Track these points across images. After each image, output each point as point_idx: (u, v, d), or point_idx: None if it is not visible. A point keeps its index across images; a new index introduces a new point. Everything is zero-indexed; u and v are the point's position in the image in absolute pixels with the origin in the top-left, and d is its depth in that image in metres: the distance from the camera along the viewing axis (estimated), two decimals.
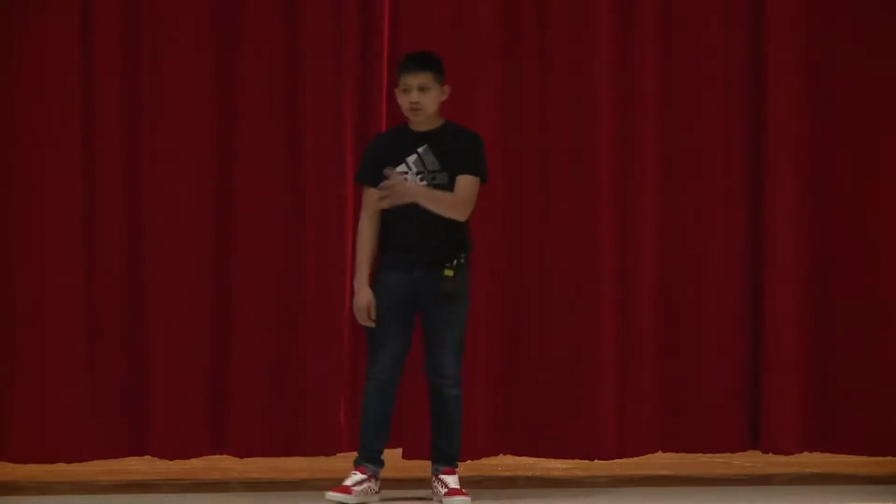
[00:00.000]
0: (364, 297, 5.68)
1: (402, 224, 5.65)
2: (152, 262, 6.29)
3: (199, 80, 6.32)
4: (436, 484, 5.73)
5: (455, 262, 5.61)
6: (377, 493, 5.69)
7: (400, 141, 5.72)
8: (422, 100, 5.64)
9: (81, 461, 6.25)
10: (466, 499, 5.62)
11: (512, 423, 6.40)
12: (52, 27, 6.24)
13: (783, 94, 6.42)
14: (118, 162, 6.30)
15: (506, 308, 6.41)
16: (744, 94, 6.49)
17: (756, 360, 6.45)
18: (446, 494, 5.62)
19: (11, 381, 6.22)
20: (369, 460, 5.69)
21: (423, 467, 5.97)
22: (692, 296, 6.45)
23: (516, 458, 6.45)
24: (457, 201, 5.63)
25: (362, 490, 5.62)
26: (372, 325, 5.67)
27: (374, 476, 5.67)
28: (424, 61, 5.68)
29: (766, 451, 6.43)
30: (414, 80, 5.65)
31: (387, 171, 5.60)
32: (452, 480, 5.67)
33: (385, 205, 5.62)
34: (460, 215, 5.65)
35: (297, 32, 6.36)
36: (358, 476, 5.64)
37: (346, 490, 5.59)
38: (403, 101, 5.68)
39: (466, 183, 5.66)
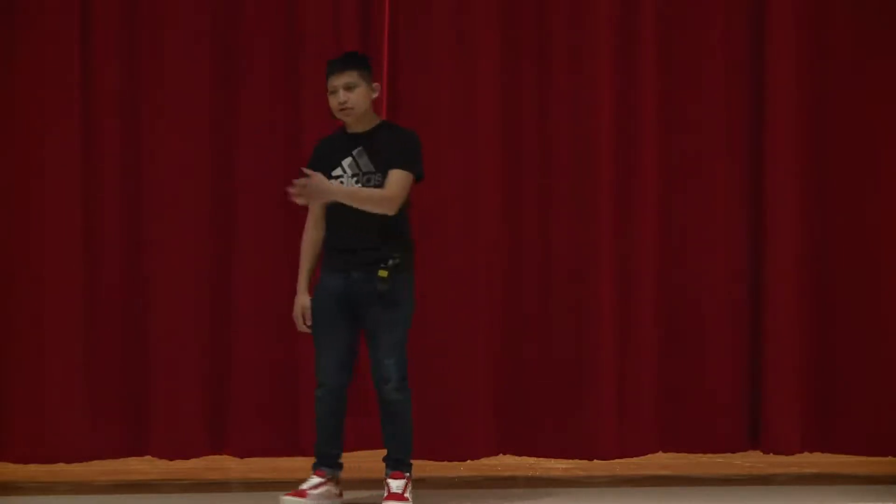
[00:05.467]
0: (298, 303, 5.59)
1: (339, 225, 5.53)
2: (152, 262, 6.29)
3: (199, 79, 6.32)
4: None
5: (390, 262, 5.44)
6: (339, 495, 5.59)
7: (336, 145, 5.59)
8: (349, 98, 5.51)
9: (81, 461, 6.25)
10: None
11: (512, 423, 6.40)
12: (52, 26, 6.25)
13: (783, 95, 6.42)
14: (118, 161, 6.31)
15: (506, 308, 6.41)
16: (744, 95, 6.49)
17: (756, 360, 6.45)
18: (386, 498, 5.48)
19: (11, 381, 6.22)
20: (326, 464, 5.59)
21: (422, 467, 5.97)
22: (692, 296, 6.46)
23: (516, 458, 6.45)
24: (381, 195, 5.44)
25: (319, 493, 5.53)
26: (308, 331, 5.56)
27: (332, 479, 5.57)
28: (347, 61, 5.58)
29: (766, 452, 6.44)
30: (338, 80, 5.51)
31: (304, 171, 5.42)
32: (396, 485, 5.49)
33: (300, 202, 5.45)
34: (387, 209, 5.45)
35: (297, 32, 6.36)
36: (315, 479, 5.55)
37: (302, 494, 5.51)
38: (333, 104, 5.54)
39: (395, 177, 5.47)
